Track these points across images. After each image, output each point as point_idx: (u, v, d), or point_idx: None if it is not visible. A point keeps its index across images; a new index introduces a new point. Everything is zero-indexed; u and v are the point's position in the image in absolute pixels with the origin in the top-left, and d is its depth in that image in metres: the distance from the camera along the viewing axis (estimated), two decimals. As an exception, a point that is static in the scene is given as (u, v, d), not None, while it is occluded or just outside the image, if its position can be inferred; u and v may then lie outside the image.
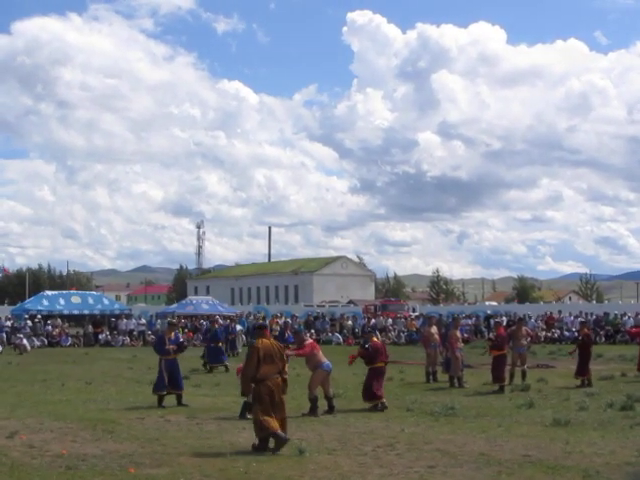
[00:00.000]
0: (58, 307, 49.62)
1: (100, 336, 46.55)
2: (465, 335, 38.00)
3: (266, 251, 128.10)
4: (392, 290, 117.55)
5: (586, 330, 22.98)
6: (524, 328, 23.07)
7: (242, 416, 15.17)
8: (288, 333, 34.09)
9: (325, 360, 16.41)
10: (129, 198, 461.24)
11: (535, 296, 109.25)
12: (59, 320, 48.14)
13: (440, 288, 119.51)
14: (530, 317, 47.05)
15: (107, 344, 45.48)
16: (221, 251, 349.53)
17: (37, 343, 43.06)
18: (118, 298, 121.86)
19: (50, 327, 46.46)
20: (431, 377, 23.04)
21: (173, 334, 18.35)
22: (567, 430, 13.61)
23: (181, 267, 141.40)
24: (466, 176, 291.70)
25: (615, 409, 16.11)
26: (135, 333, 47.62)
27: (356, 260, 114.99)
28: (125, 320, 49.11)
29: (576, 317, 46.18)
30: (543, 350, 35.93)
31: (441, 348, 23.56)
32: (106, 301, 54.48)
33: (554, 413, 15.29)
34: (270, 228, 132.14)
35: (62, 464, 10.88)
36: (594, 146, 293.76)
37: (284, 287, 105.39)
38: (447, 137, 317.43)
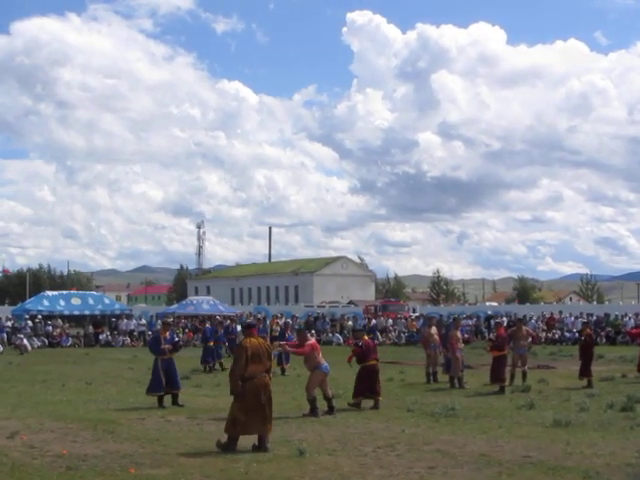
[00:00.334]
0: (58, 307, 49.64)
1: (100, 336, 46.59)
2: (465, 336, 37.98)
3: (266, 251, 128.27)
4: (392, 290, 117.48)
5: (588, 330, 22.97)
6: (525, 328, 23.06)
7: None
8: (289, 333, 34.07)
9: (324, 362, 16.42)
10: (129, 198, 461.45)
11: (536, 297, 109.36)
12: (59, 320, 48.17)
13: (440, 289, 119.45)
14: (531, 318, 47.08)
15: (107, 344, 45.51)
16: (221, 251, 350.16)
17: (38, 343, 43.08)
18: (118, 298, 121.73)
19: (50, 327, 46.49)
20: (432, 378, 23.02)
21: (168, 333, 18.30)
22: (568, 431, 13.60)
23: (181, 267, 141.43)
24: (466, 176, 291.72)
25: (615, 410, 16.10)
26: (135, 333, 47.65)
27: (356, 260, 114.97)
28: (125, 320, 49.13)
29: (577, 318, 46.21)
30: (544, 351, 35.91)
31: (441, 349, 23.54)
32: (106, 301, 54.49)
33: (555, 414, 15.28)
34: (270, 228, 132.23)
35: (63, 464, 10.88)
36: (594, 147, 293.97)
37: (284, 287, 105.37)
38: (447, 137, 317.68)
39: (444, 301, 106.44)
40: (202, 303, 55.25)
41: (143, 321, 50.15)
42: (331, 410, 16.25)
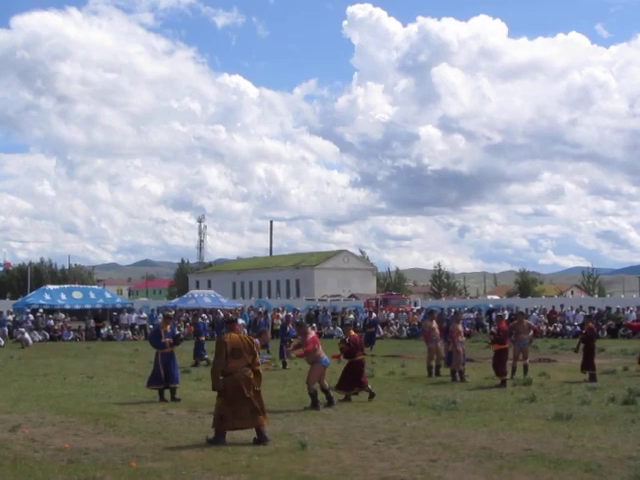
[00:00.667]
0: (60, 301, 49.67)
1: (102, 330, 46.62)
2: (467, 329, 38.07)
3: (267, 245, 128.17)
4: (394, 284, 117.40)
5: (590, 324, 22.93)
6: (526, 322, 23.05)
7: None
8: (290, 327, 34.09)
9: (323, 355, 16.44)
10: (130, 192, 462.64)
11: (537, 290, 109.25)
12: (61, 314, 48.20)
13: (442, 282, 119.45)
14: (532, 311, 47.08)
15: (109, 338, 45.55)
16: (222, 245, 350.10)
17: (39, 337, 43.11)
18: (119, 292, 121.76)
19: (52, 321, 46.52)
20: (434, 371, 23.00)
21: (169, 327, 18.25)
22: (569, 424, 13.60)
23: (182, 261, 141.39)
24: (467, 170, 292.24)
25: (617, 403, 16.09)
26: (137, 327, 47.69)
27: (358, 254, 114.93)
28: (127, 314, 49.20)
29: (578, 311, 46.21)
30: (545, 344, 35.90)
31: (442, 342, 23.53)
32: (108, 295, 54.49)
33: (556, 407, 15.27)
34: (272, 222, 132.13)
35: (64, 458, 10.89)
36: (595, 140, 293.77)
37: (285, 281, 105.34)
38: (448, 131, 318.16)
39: (445, 295, 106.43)
40: (203, 297, 55.29)
41: (144, 315, 50.18)
42: (330, 402, 16.26)
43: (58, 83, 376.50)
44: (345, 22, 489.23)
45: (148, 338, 21.52)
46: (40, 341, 42.41)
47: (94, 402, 17.17)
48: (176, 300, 59.24)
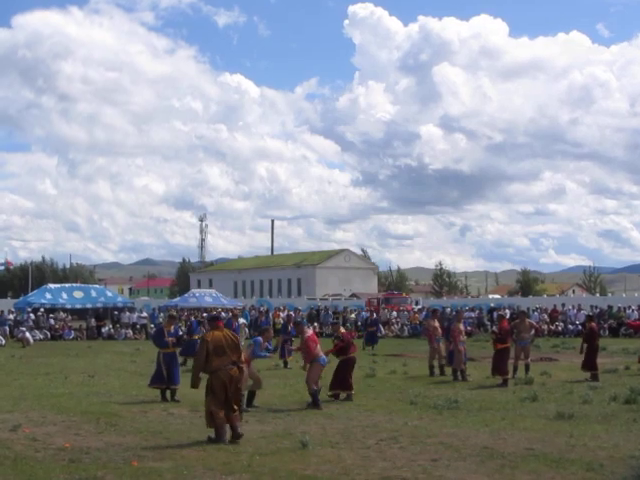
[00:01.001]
0: (61, 300, 49.65)
1: (103, 329, 46.63)
2: (468, 328, 38.04)
3: (268, 244, 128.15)
4: (395, 283, 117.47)
5: (592, 324, 22.88)
6: (528, 321, 23.02)
7: (247, 406, 15.22)
8: (291, 326, 34.07)
9: (322, 354, 16.46)
10: (131, 191, 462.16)
11: (538, 289, 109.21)
12: (62, 313, 48.20)
13: (443, 281, 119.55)
14: (534, 310, 47.06)
15: (110, 337, 45.57)
16: (223, 244, 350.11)
17: (40, 336, 43.11)
18: (121, 291, 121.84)
19: (52, 320, 46.52)
20: (438, 371, 22.95)
21: (173, 327, 18.20)
22: (571, 423, 13.58)
23: (184, 260, 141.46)
24: (468, 169, 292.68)
25: (619, 402, 16.08)
26: (138, 326, 47.67)
27: (359, 253, 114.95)
28: (128, 313, 49.20)
29: (579, 310, 46.20)
30: (547, 343, 35.89)
31: (443, 341, 23.50)
32: (109, 294, 54.47)
33: (558, 406, 15.27)
34: (273, 221, 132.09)
35: (65, 457, 10.87)
36: (596, 139, 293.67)
37: (287, 280, 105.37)
38: (449, 130, 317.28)
39: (447, 294, 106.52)
40: (205, 296, 55.29)
41: (145, 314, 50.17)
42: (314, 404, 16.23)
43: (59, 82, 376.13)
44: (346, 21, 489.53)
45: (151, 337, 21.49)
46: (41, 340, 42.41)
47: (95, 401, 17.16)
48: (177, 299, 59.27)
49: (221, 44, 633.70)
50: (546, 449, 11.32)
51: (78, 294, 51.21)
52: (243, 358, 15.91)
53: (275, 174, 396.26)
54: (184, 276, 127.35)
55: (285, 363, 25.88)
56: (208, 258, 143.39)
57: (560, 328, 45.30)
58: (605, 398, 16.65)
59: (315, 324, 44.84)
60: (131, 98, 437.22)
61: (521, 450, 11.28)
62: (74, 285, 57.07)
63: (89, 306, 49.90)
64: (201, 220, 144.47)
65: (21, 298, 56.46)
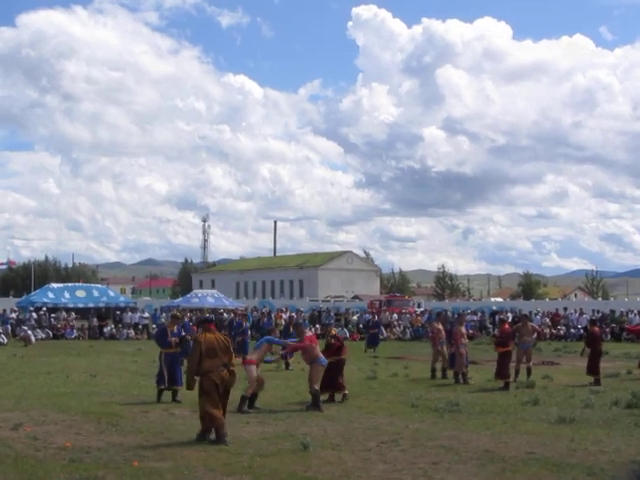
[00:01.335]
0: (63, 300, 49.68)
1: (105, 329, 46.64)
2: (470, 331, 38.02)
3: (270, 245, 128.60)
4: (397, 285, 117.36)
5: (595, 328, 22.82)
6: (530, 324, 23.01)
7: (240, 410, 15.21)
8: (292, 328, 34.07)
9: (321, 355, 16.46)
10: (134, 191, 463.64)
11: (541, 293, 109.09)
12: (64, 313, 48.17)
13: (445, 284, 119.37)
14: (536, 314, 47.00)
15: (112, 337, 45.58)
16: (226, 245, 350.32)
17: (42, 335, 43.12)
18: (123, 291, 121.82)
19: (53, 320, 46.53)
20: (440, 373, 22.92)
21: (175, 327, 18.18)
22: (572, 427, 13.57)
23: (186, 260, 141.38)
24: (471, 171, 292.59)
25: (620, 407, 16.07)
26: (140, 326, 47.67)
27: (362, 255, 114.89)
28: (130, 313, 49.20)
29: (581, 314, 46.15)
30: (548, 347, 35.87)
31: (445, 344, 23.46)
32: (111, 294, 54.50)
33: (559, 410, 15.25)
34: (276, 222, 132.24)
35: (66, 456, 10.88)
36: (599, 142, 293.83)
37: (289, 281, 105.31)
38: (452, 132, 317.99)
39: (449, 296, 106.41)
40: (207, 297, 55.24)
41: (147, 314, 50.19)
42: (314, 405, 16.22)
43: (63, 81, 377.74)
44: (350, 23, 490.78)
45: (154, 336, 21.46)
46: (43, 339, 42.42)
47: (96, 401, 17.17)
48: (179, 300, 59.18)
49: (225, 45, 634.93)
50: (547, 453, 11.31)
51: (80, 293, 51.27)
52: (254, 358, 16.07)
53: (278, 175, 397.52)
54: (186, 276, 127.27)
55: (287, 365, 25.86)
56: (210, 259, 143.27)
57: (562, 332, 45.25)
58: (607, 402, 16.63)
59: (317, 325, 44.86)
60: (135, 98, 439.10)
61: (522, 454, 11.27)
62: (76, 284, 57.12)
63: (91, 305, 49.93)
64: (204, 221, 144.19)
65: (23, 297, 56.50)
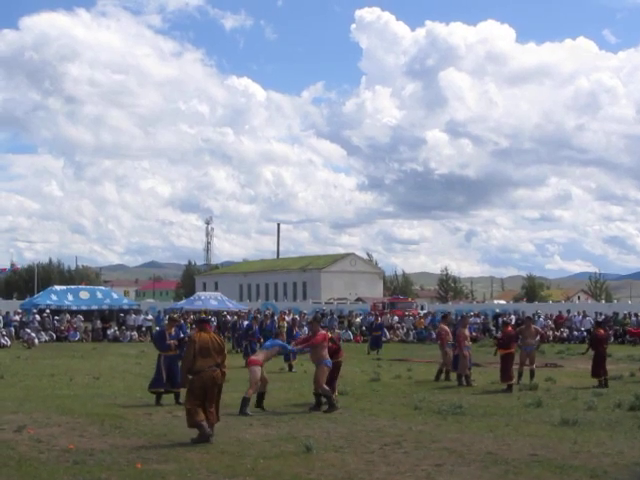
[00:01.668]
0: (67, 302, 49.75)
1: (108, 331, 46.65)
2: (473, 334, 37.96)
3: (273, 248, 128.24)
4: (400, 288, 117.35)
5: (600, 330, 22.78)
6: (533, 327, 22.99)
7: (242, 412, 15.24)
8: (296, 330, 34.08)
9: (327, 357, 16.46)
10: (137, 194, 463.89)
11: (544, 295, 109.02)
12: (68, 315, 48.22)
13: (449, 286, 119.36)
14: (539, 316, 46.98)
15: (115, 339, 45.57)
16: (229, 247, 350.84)
17: (45, 338, 43.15)
18: (126, 293, 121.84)
19: (57, 322, 46.56)
20: (443, 376, 22.88)
21: (174, 330, 18.16)
22: (575, 430, 13.56)
23: (189, 263, 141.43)
24: (474, 174, 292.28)
25: (623, 409, 16.06)
26: (143, 329, 47.68)
27: (365, 257, 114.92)
28: (133, 315, 49.23)
29: (584, 317, 46.12)
30: (552, 349, 35.85)
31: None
32: (115, 296, 54.57)
33: (562, 413, 15.23)
34: (279, 225, 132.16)
35: (69, 459, 10.89)
36: (603, 145, 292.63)
37: (292, 284, 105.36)
38: (455, 135, 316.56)
39: (452, 299, 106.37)
40: (210, 299, 55.34)
41: (150, 316, 50.23)
42: (318, 406, 16.22)
43: (66, 84, 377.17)
44: (353, 25, 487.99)
45: (152, 339, 21.45)
46: (46, 341, 42.45)
47: (100, 403, 17.18)
48: (183, 302, 59.28)
49: (228, 47, 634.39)
50: (550, 455, 11.31)
51: (84, 295, 51.37)
52: (261, 359, 16.10)
53: (281, 178, 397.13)
54: (190, 279, 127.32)
55: (290, 367, 25.86)
56: (214, 261, 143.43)
57: (565, 334, 45.22)
58: (610, 405, 16.63)
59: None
60: (138, 101, 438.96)
61: (525, 456, 11.26)
62: (80, 287, 57.19)
63: (95, 308, 50.01)
64: (207, 223, 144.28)
65: (27, 299, 56.59)
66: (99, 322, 47.32)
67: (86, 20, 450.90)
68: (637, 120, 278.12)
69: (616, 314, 46.99)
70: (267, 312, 47.74)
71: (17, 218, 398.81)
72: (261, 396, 16.12)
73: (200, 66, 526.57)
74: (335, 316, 52.28)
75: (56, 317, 47.29)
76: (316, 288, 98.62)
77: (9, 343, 38.89)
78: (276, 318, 42.64)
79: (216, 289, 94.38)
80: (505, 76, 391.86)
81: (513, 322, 34.79)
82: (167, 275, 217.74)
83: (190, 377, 12.44)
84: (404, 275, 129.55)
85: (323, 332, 16.90)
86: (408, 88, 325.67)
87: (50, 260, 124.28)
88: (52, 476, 9.89)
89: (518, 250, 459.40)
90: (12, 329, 43.23)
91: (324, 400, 16.35)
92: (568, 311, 49.93)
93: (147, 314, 51.25)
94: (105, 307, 50.52)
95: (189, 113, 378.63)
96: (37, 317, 45.76)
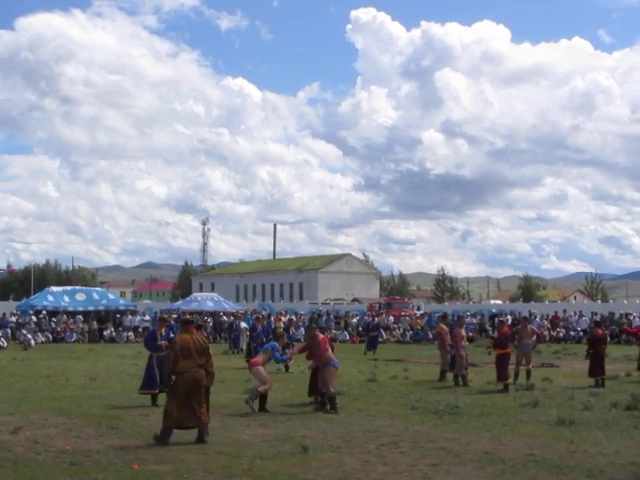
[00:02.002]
0: (63, 303, 49.71)
1: (105, 332, 46.63)
2: (470, 334, 37.98)
3: (270, 248, 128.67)
4: (397, 288, 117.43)
5: (599, 330, 22.80)
6: (529, 327, 23.00)
7: (248, 401, 15.32)
8: (293, 331, 34.08)
9: (334, 357, 16.52)
10: (133, 194, 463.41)
11: (540, 295, 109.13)
12: (65, 316, 48.18)
13: (445, 286, 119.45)
14: (535, 316, 47.02)
15: (112, 340, 45.55)
16: (225, 248, 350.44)
17: (42, 339, 43.12)
18: (123, 294, 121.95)
19: (54, 323, 46.53)
20: (440, 376, 22.87)
21: (164, 330, 18.10)
22: (571, 429, 13.58)
23: (186, 264, 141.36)
24: (470, 174, 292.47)
25: (620, 409, 16.07)
26: (140, 330, 47.63)
27: (361, 258, 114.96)
28: (130, 316, 49.25)
29: (580, 317, 46.17)
30: (548, 349, 35.88)
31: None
32: (111, 297, 54.54)
33: (559, 412, 15.25)
34: (275, 225, 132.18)
35: (66, 460, 10.88)
36: (598, 145, 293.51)
37: (289, 284, 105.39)
38: (451, 135, 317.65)
39: (448, 299, 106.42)
40: (206, 300, 55.28)
41: (147, 317, 50.22)
42: (323, 406, 16.23)
43: (62, 84, 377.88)
44: (349, 26, 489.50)
45: (144, 341, 21.42)
46: (43, 343, 42.42)
47: (96, 404, 17.17)
48: (179, 303, 59.21)
49: (223, 48, 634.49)
50: (547, 455, 11.32)
51: (80, 297, 51.32)
52: (260, 360, 16.10)
53: (277, 178, 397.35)
54: (186, 279, 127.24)
55: (286, 367, 25.84)
56: (210, 262, 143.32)
57: (561, 334, 45.28)
58: (606, 404, 16.64)
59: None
60: (133, 101, 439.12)
61: (522, 456, 11.28)
62: (76, 288, 57.10)
63: (91, 309, 49.98)
64: (204, 224, 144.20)
65: (23, 301, 56.53)
66: (95, 323, 47.31)
67: (82, 21, 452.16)
68: (632, 120, 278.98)
69: (612, 314, 47.01)
70: (263, 313, 47.79)
71: (13, 219, 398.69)
72: (263, 399, 16.10)
73: (196, 66, 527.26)
74: (332, 317, 52.33)
75: (53, 318, 47.25)
76: (312, 289, 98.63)
77: (5, 344, 38.88)
78: (272, 319, 42.66)
79: (212, 290, 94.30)
80: (501, 76, 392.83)
81: (509, 322, 34.83)
82: (163, 276, 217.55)
83: (173, 378, 12.48)
84: (400, 275, 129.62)
85: (322, 336, 16.94)
86: (404, 88, 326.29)
87: (47, 261, 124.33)
88: (49, 477, 9.88)
89: (514, 250, 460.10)
90: (8, 330, 43.23)
91: (313, 400, 16.41)
92: (564, 311, 49.96)
93: (144, 315, 51.27)
94: (101, 308, 50.47)
95: (185, 114, 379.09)
96: (34, 318, 45.74)
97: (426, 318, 49.75)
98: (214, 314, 50.29)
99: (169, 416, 12.28)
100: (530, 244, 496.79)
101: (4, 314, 47.26)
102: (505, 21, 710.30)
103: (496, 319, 42.80)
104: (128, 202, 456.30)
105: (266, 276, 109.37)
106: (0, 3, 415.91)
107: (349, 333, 47.80)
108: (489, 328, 46.66)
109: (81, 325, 47.33)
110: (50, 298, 50.15)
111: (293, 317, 46.35)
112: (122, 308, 51.77)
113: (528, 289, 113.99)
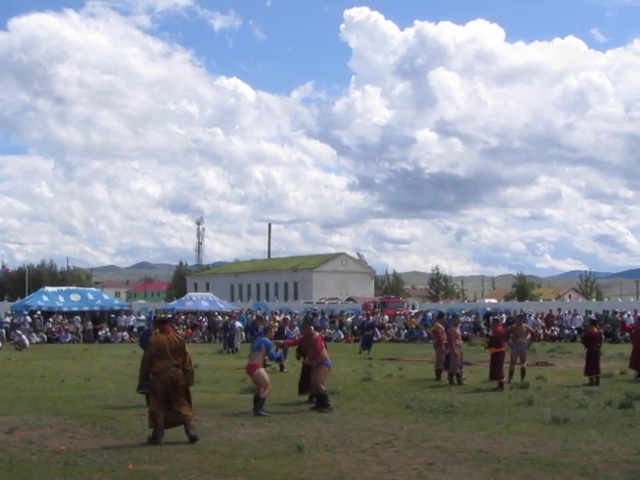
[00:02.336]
0: (58, 303, 49.65)
1: (99, 332, 46.59)
2: (464, 332, 38.02)
3: (264, 248, 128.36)
4: (391, 287, 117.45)
5: (595, 328, 22.84)
6: (524, 325, 23.04)
7: (256, 412, 15.25)
8: (287, 330, 34.01)
9: (328, 357, 16.51)
10: (127, 194, 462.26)
11: (535, 294, 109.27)
12: (60, 317, 48.12)
13: (439, 285, 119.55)
14: (530, 315, 47.09)
15: (106, 340, 45.53)
16: (219, 248, 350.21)
17: (36, 339, 43.07)
18: (118, 294, 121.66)
19: (50, 324, 46.47)
20: (436, 375, 22.88)
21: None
22: (566, 428, 13.60)
23: (181, 264, 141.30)
24: (464, 173, 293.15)
25: (614, 407, 16.09)
26: (134, 330, 47.62)
27: (356, 257, 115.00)
28: (125, 316, 49.22)
29: (575, 315, 46.25)
30: (542, 348, 35.93)
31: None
32: (106, 297, 54.50)
33: (553, 411, 15.29)
34: (270, 225, 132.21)
35: (61, 460, 10.88)
36: (592, 144, 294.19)
37: (284, 284, 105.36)
38: (445, 134, 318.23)
39: (443, 298, 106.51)
40: (201, 299, 55.30)
41: (142, 317, 50.19)
42: (320, 405, 16.22)
43: (55, 85, 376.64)
44: (342, 25, 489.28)
45: (139, 340, 21.38)
46: (37, 343, 42.36)
47: (91, 404, 17.17)
48: (174, 302, 59.19)
49: (217, 48, 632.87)
50: (541, 453, 11.34)
51: (75, 297, 51.26)
52: (259, 362, 16.05)
53: (271, 178, 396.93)
54: (181, 279, 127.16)
55: (281, 367, 25.83)
56: (205, 261, 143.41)
57: (556, 333, 45.35)
58: (600, 403, 16.67)
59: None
60: (127, 101, 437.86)
61: (516, 454, 11.29)
62: (71, 288, 57.03)
63: (86, 309, 49.92)
64: (198, 223, 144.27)
65: (18, 301, 56.44)
66: (90, 323, 47.28)
67: (75, 21, 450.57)
68: (626, 119, 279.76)
69: (606, 312, 47.09)
70: (258, 312, 47.79)
71: (7, 220, 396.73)
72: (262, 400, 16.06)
73: (189, 66, 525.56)
74: (326, 316, 52.34)
75: (49, 319, 47.20)
76: (307, 288, 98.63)
77: (0, 345, 38.80)
78: (267, 318, 42.67)
79: (207, 290, 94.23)
80: (494, 75, 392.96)
81: (504, 321, 34.83)
82: (158, 276, 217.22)
83: (152, 379, 12.50)
84: (395, 274, 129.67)
85: (317, 335, 16.95)
86: (398, 88, 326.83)
87: (42, 262, 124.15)
88: (43, 477, 9.87)
89: (509, 249, 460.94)
90: (3, 331, 43.19)
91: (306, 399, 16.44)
92: (559, 310, 50.03)
93: (138, 315, 51.22)
94: (96, 308, 50.44)
95: (179, 113, 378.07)
96: (28, 319, 45.69)
97: (421, 317, 49.80)
98: (209, 314, 50.28)
99: (155, 417, 12.27)
100: (524, 243, 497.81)
101: (-1, 315, 47.21)
102: (499, 20, 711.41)
103: (491, 318, 42.94)
104: (122, 202, 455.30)
105: (261, 276, 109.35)
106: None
107: (344, 332, 47.81)
108: (484, 327, 46.72)
109: (79, 325, 47.23)
110: (45, 298, 50.10)
111: (288, 316, 46.32)
112: (117, 308, 51.74)
113: (523, 288, 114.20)
